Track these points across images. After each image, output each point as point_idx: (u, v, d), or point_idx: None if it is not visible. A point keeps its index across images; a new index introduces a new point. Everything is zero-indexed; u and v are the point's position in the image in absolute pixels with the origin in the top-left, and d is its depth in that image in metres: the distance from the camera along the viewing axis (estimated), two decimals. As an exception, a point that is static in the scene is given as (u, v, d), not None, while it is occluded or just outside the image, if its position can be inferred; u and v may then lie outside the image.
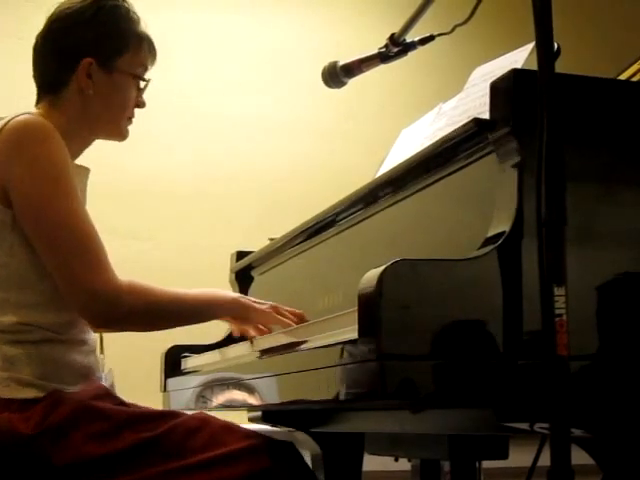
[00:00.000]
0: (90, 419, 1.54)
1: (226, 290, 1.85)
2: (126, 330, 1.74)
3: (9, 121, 1.62)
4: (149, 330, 1.75)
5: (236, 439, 1.56)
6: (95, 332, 1.77)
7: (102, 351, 2.69)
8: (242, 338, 1.95)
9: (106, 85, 1.74)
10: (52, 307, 1.61)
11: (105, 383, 1.75)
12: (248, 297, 1.84)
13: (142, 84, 1.81)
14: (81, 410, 1.54)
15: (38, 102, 1.76)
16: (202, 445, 1.54)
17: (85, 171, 1.78)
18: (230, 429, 1.59)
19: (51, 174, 1.59)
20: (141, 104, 1.82)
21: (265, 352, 1.63)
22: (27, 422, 1.51)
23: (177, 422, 1.57)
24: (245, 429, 1.61)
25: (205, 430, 1.57)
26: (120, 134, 1.81)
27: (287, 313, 1.79)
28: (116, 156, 3.60)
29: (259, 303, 1.81)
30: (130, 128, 1.83)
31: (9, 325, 1.59)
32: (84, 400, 1.57)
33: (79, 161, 1.78)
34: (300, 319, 1.78)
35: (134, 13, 1.78)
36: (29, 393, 1.56)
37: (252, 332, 1.78)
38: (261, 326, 1.80)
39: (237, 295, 1.82)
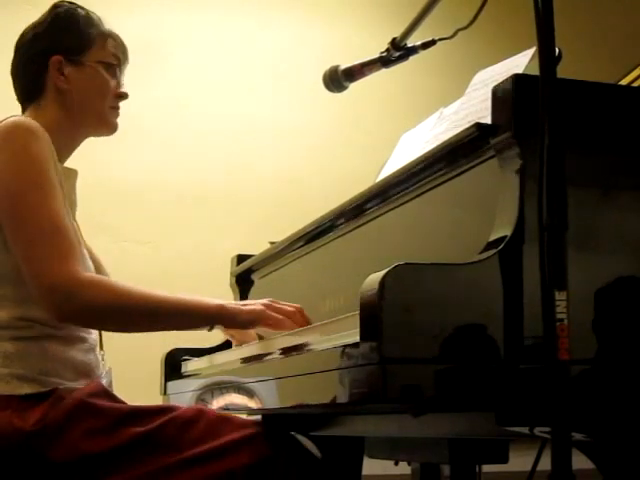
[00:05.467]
0: (87, 416, 1.54)
1: (212, 297, 1.68)
2: (90, 327, 1.69)
3: None
4: (114, 330, 1.68)
5: (233, 429, 1.54)
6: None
7: (101, 347, 2.68)
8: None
9: (79, 77, 1.78)
10: None
11: (104, 381, 1.74)
12: (235, 302, 1.71)
13: (117, 73, 1.83)
14: (78, 407, 1.54)
15: (23, 113, 1.80)
16: (199, 437, 1.53)
17: (73, 173, 1.80)
18: (227, 420, 1.57)
19: (29, 168, 1.61)
20: (123, 94, 1.84)
21: (265, 356, 1.63)
22: (26, 419, 1.51)
23: (173, 415, 1.56)
24: (242, 419, 1.59)
25: (201, 422, 1.55)
26: (106, 124, 1.83)
27: (284, 306, 1.68)
28: (116, 159, 3.61)
29: (251, 304, 1.69)
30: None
31: (8, 321, 1.60)
32: (81, 397, 1.56)
33: (71, 163, 1.79)
34: (298, 313, 1.69)
35: (93, 14, 1.83)
36: (29, 389, 1.57)
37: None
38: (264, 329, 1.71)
39: (222, 302, 1.65)
